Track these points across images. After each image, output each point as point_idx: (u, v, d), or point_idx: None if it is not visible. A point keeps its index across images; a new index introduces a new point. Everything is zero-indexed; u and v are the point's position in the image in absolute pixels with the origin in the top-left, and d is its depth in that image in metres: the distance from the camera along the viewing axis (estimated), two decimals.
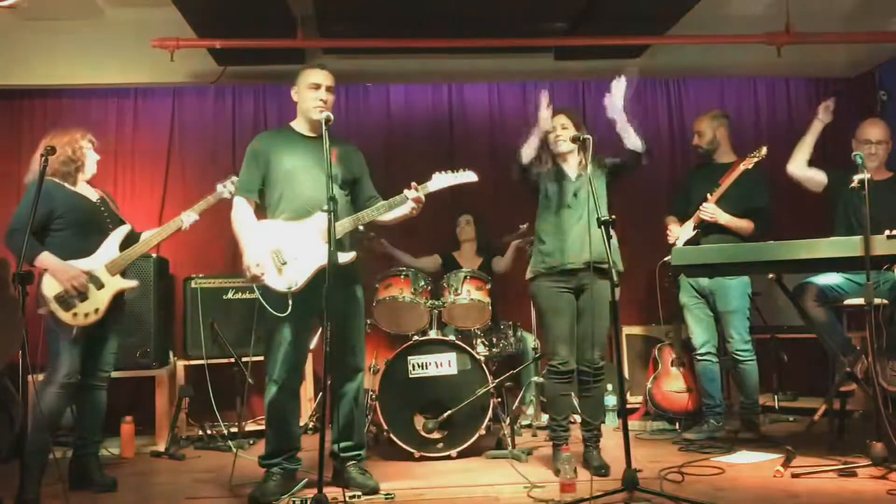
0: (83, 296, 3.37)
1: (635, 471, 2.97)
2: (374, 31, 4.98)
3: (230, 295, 4.67)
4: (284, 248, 3.25)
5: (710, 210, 4.13)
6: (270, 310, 3.22)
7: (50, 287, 3.34)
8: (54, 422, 3.40)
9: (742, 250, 3.51)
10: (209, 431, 4.50)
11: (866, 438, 3.32)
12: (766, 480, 3.29)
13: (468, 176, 3.51)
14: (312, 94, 3.37)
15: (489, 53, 5.40)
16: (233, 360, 4.51)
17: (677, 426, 4.50)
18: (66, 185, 3.48)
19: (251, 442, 4.41)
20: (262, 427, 4.65)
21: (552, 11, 4.80)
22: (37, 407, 3.29)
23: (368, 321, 4.46)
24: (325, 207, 3.00)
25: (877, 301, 3.28)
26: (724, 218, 4.13)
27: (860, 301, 3.70)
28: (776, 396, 4.90)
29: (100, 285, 3.44)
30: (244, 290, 4.64)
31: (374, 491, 3.26)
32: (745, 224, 4.17)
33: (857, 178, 3.38)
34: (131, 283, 3.58)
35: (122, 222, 3.64)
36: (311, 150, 3.36)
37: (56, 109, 5.30)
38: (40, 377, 4.21)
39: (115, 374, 4.20)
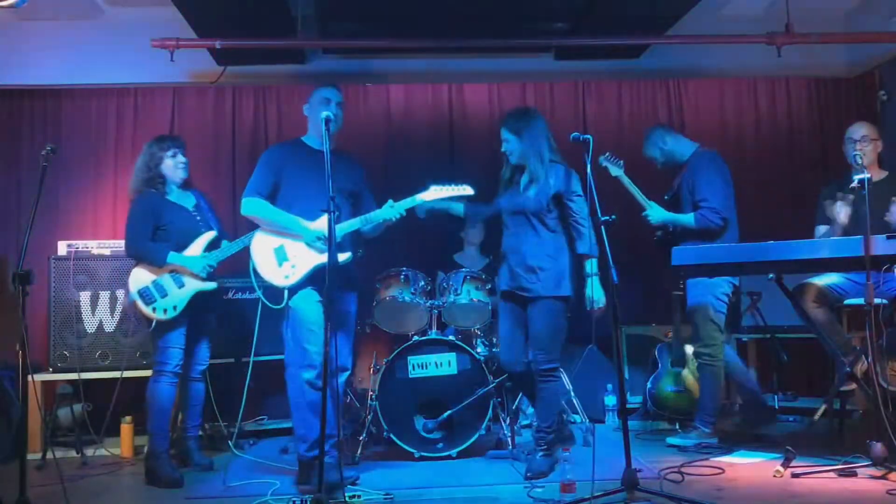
0: (163, 291, 3.65)
1: (635, 471, 2.98)
2: (374, 31, 4.98)
3: (230, 295, 4.66)
4: (286, 247, 3.46)
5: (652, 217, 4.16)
6: (265, 301, 3.45)
7: (136, 282, 3.66)
8: (170, 409, 3.71)
9: (742, 250, 3.51)
10: (209, 431, 4.50)
11: (866, 438, 3.32)
12: (766, 480, 3.29)
13: (464, 189, 3.63)
14: (320, 110, 3.37)
15: (489, 53, 5.40)
16: (233, 360, 4.50)
17: (677, 426, 4.50)
18: (163, 195, 3.78)
19: (251, 442, 4.41)
20: (262, 427, 4.68)
21: (552, 11, 4.80)
22: (151, 397, 3.65)
23: (368, 321, 4.47)
24: (325, 208, 3.05)
25: (877, 301, 3.28)
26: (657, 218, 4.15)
27: (860, 301, 3.69)
28: (776, 396, 4.89)
29: (181, 284, 3.69)
30: (244, 290, 4.64)
31: (353, 482, 3.36)
32: (684, 218, 4.09)
33: (857, 177, 3.37)
34: (211, 285, 3.78)
35: (213, 226, 3.88)
36: (320, 166, 3.32)
37: (56, 109, 5.30)
38: (39, 377, 4.26)
39: (114, 375, 4.26)
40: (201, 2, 4.49)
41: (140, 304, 3.64)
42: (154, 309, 3.62)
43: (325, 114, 3.17)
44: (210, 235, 3.81)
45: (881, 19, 5.15)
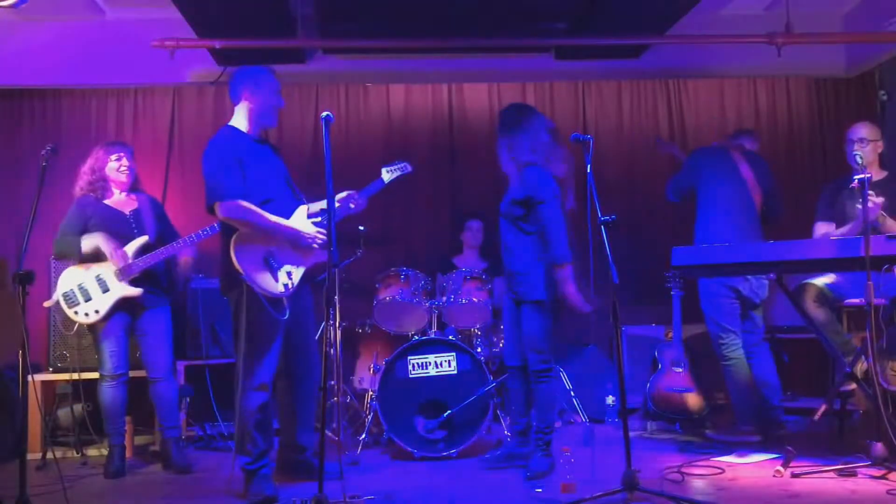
0: (87, 295, 3.71)
1: (635, 471, 2.98)
2: (374, 31, 4.98)
3: None
4: (274, 252, 3.28)
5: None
6: (273, 313, 3.20)
7: (62, 284, 3.75)
8: (113, 411, 3.80)
9: (742, 250, 3.50)
10: (209, 431, 4.51)
11: (866, 438, 3.32)
12: (766, 480, 3.29)
13: (404, 167, 3.80)
14: (277, 100, 3.39)
15: (489, 53, 5.40)
16: (233, 360, 4.50)
17: (677, 426, 4.50)
18: (99, 199, 3.86)
19: None
20: None
21: (552, 11, 4.80)
22: (99, 400, 3.81)
23: (368, 321, 4.47)
24: (327, 209, 3.06)
25: (877, 301, 3.28)
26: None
27: (860, 301, 3.69)
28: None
29: (105, 289, 3.73)
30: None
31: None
32: None
33: (857, 177, 3.37)
34: (135, 291, 3.77)
35: (147, 232, 3.86)
36: (266, 156, 3.40)
37: (56, 109, 5.30)
38: (39, 377, 4.27)
39: None
40: (201, 2, 4.49)
41: (63, 306, 3.73)
42: (76, 312, 3.72)
43: (325, 114, 3.16)
44: (142, 240, 3.81)
45: (881, 19, 5.15)
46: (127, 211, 3.90)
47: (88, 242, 3.74)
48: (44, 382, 4.33)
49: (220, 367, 4.53)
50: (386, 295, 4.20)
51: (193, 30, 4.77)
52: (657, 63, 5.51)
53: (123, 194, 3.94)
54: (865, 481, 3.19)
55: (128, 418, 4.25)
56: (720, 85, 5.70)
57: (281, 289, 3.25)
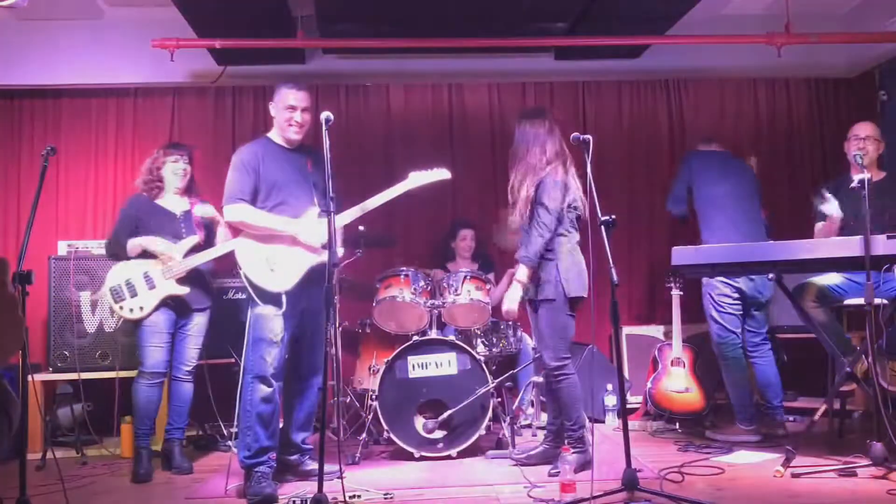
0: (133, 292, 3.77)
1: (635, 471, 2.98)
2: (373, 31, 4.97)
3: (230, 295, 4.66)
4: (277, 253, 3.39)
5: None
6: (265, 305, 3.32)
7: (110, 279, 3.80)
8: (145, 411, 3.80)
9: (742, 250, 3.50)
10: (209, 431, 4.51)
11: (866, 438, 3.32)
12: (766, 480, 3.29)
13: (442, 174, 3.66)
14: (287, 115, 3.46)
15: (489, 53, 5.40)
16: (232, 360, 4.50)
17: (677, 426, 4.50)
18: (151, 199, 3.92)
19: None
20: None
21: (552, 11, 4.79)
22: (133, 397, 3.81)
23: (368, 321, 4.46)
24: (325, 209, 3.08)
25: (877, 301, 3.28)
26: None
27: (860, 301, 3.69)
28: None
29: (151, 286, 3.79)
30: (244, 291, 4.63)
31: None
32: None
33: (856, 177, 3.37)
34: (182, 290, 3.83)
35: (197, 232, 3.92)
36: (293, 162, 3.50)
37: (56, 109, 5.31)
38: (39, 377, 4.27)
39: (114, 375, 4.27)
40: (201, 2, 4.49)
41: (109, 300, 3.80)
42: (121, 307, 3.77)
43: (325, 114, 3.17)
44: (193, 240, 3.87)
45: (881, 19, 5.15)
46: (178, 212, 3.93)
47: (133, 246, 3.79)
48: (44, 382, 4.33)
49: (220, 367, 4.52)
50: (386, 295, 4.20)
51: (193, 30, 4.77)
52: (657, 63, 5.50)
53: (177, 196, 3.97)
54: (865, 481, 3.19)
55: (128, 418, 4.26)
56: (720, 85, 5.69)
57: (276, 286, 3.34)
